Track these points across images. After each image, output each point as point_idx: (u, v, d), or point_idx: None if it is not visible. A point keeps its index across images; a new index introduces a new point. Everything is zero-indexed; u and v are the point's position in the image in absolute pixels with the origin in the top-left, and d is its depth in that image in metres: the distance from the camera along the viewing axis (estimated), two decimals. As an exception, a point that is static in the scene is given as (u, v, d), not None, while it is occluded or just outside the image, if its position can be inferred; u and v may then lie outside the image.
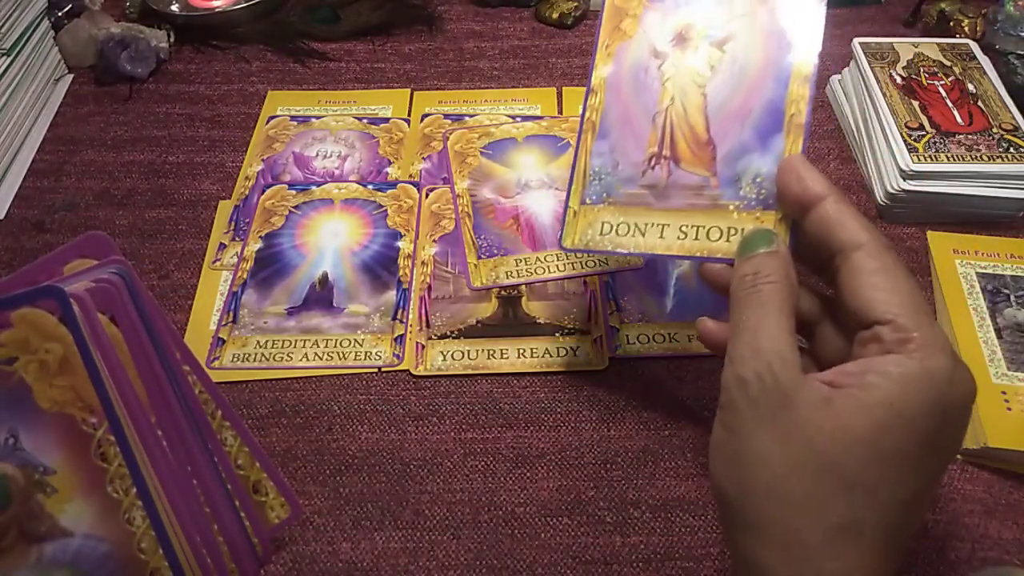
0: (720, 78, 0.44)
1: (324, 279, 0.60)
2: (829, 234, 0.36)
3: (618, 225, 0.45)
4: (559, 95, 0.75)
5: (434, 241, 0.62)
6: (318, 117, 0.73)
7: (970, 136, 0.62)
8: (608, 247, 0.45)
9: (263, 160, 0.69)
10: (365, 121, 0.72)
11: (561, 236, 0.46)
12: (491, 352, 0.55)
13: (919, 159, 0.60)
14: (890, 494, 0.31)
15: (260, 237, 0.62)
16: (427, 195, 0.65)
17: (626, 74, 0.46)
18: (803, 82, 0.42)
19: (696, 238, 0.42)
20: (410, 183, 0.66)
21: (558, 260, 0.60)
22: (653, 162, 0.44)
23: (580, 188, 0.46)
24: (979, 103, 0.65)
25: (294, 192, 0.66)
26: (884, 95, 0.65)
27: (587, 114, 0.47)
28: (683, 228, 0.43)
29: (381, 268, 0.60)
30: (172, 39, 0.80)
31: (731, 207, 0.42)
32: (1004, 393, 0.50)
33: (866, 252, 0.35)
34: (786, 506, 0.32)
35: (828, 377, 0.34)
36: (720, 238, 0.41)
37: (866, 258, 0.35)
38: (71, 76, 0.78)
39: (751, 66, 0.43)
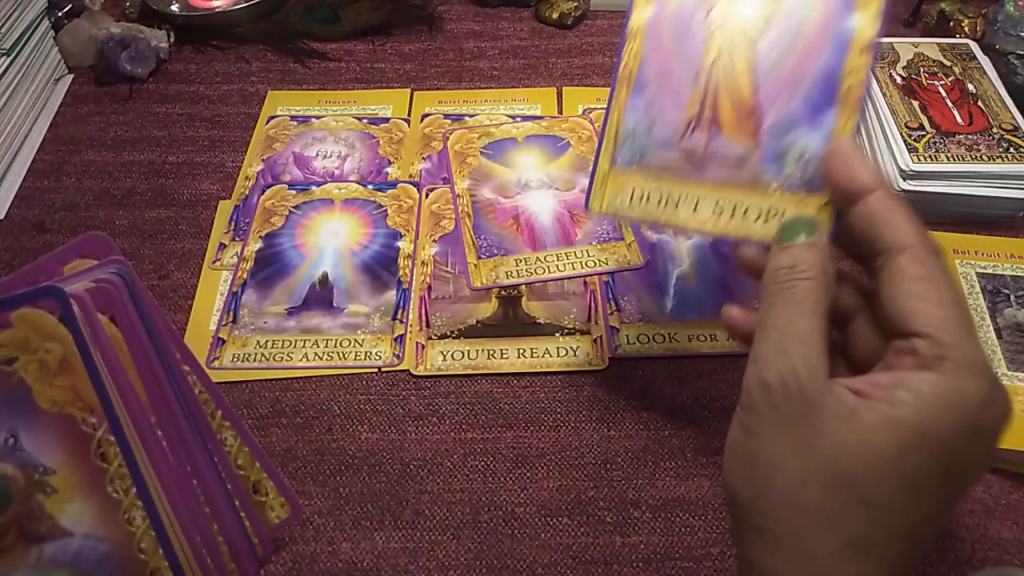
0: (774, 33, 0.39)
1: (324, 279, 0.60)
2: (874, 231, 0.34)
3: (649, 193, 0.41)
4: (559, 95, 0.75)
5: (434, 241, 0.62)
6: (318, 117, 0.73)
7: (970, 136, 0.62)
8: (639, 216, 0.42)
9: (263, 160, 0.69)
10: (365, 121, 0.72)
11: (588, 198, 0.43)
12: (491, 352, 0.55)
13: (919, 159, 0.60)
14: (905, 515, 0.30)
15: (260, 237, 0.62)
16: (427, 195, 0.65)
17: (668, 19, 0.42)
18: (864, 51, 0.37)
19: (732, 216, 0.39)
20: (410, 183, 0.66)
21: (558, 260, 0.60)
22: (693, 125, 0.41)
23: (611, 147, 0.42)
24: (979, 103, 0.65)
25: (294, 192, 0.66)
26: (884, 95, 0.65)
27: (623, 62, 0.42)
28: (719, 203, 0.40)
29: (381, 268, 0.60)
30: (172, 39, 0.80)
31: (773, 185, 0.38)
32: (1004, 393, 0.50)
33: (911, 256, 0.32)
34: (798, 515, 0.31)
35: (857, 386, 0.32)
36: (758, 219, 0.38)
37: (911, 263, 0.32)
38: (71, 76, 0.78)
39: (808, 24, 0.39)
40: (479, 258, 0.60)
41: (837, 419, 0.31)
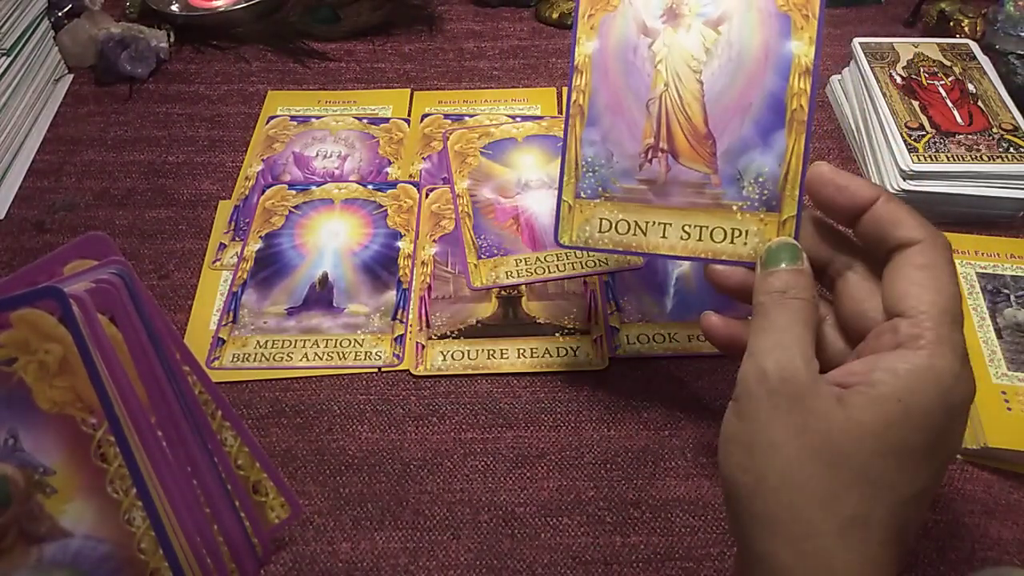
0: (716, 63, 0.41)
1: (324, 279, 0.60)
2: (885, 233, 0.36)
3: (617, 223, 0.43)
4: (559, 95, 0.75)
5: (434, 241, 0.62)
6: (318, 117, 0.73)
7: (970, 136, 0.62)
8: (608, 246, 0.43)
9: (263, 160, 0.69)
10: (365, 121, 0.72)
11: (557, 232, 0.44)
12: (491, 352, 0.55)
13: (919, 159, 0.60)
14: (898, 488, 0.32)
15: (260, 237, 0.62)
16: (427, 195, 0.65)
17: (613, 52, 0.43)
18: (804, 74, 0.40)
19: (700, 239, 0.41)
20: (410, 183, 0.66)
21: (558, 260, 0.59)
22: (650, 155, 0.43)
23: (573, 180, 0.44)
24: (979, 103, 0.65)
25: (294, 192, 0.66)
26: (884, 95, 0.65)
27: (574, 97, 0.44)
28: (686, 228, 0.42)
29: (381, 268, 0.60)
30: (172, 39, 0.80)
31: (734, 207, 0.41)
32: (1004, 393, 0.50)
33: (919, 249, 0.35)
34: (799, 496, 0.32)
35: (836, 378, 0.34)
36: (724, 239, 0.41)
37: (916, 254, 0.35)
38: (71, 76, 0.78)
39: (749, 51, 0.41)
40: (479, 258, 0.60)
41: (828, 404, 0.33)
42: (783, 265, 0.38)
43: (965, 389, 0.33)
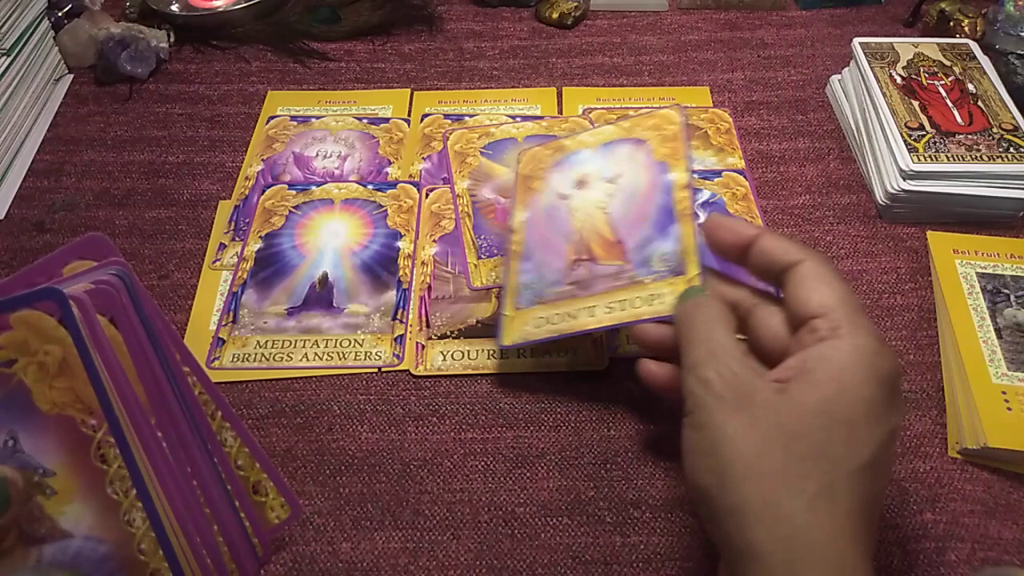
0: (617, 200, 0.52)
1: (324, 279, 0.60)
2: (773, 260, 0.41)
3: (551, 316, 0.50)
4: (559, 95, 0.75)
5: (434, 241, 0.62)
6: (318, 117, 0.73)
7: (970, 136, 0.62)
8: (546, 335, 0.50)
9: (263, 160, 0.69)
10: (365, 121, 0.72)
11: (500, 337, 0.51)
12: (491, 352, 0.55)
13: (919, 159, 0.60)
14: (851, 458, 0.34)
15: (260, 237, 0.62)
16: (427, 195, 0.65)
17: (540, 214, 0.55)
18: (684, 189, 0.49)
19: (623, 309, 0.48)
20: (410, 183, 0.66)
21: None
22: (575, 266, 0.51)
23: (512, 298, 0.52)
24: (979, 103, 0.65)
25: (294, 192, 0.66)
26: (884, 95, 0.65)
27: (511, 247, 0.54)
28: (609, 305, 0.48)
29: (381, 268, 0.60)
30: (172, 39, 0.80)
31: (647, 280, 0.48)
32: (1004, 393, 0.50)
33: (806, 265, 0.40)
34: (764, 481, 0.34)
35: (775, 375, 0.38)
36: (642, 305, 0.47)
37: (806, 269, 0.39)
38: (71, 76, 0.78)
39: (640, 188, 0.52)
40: (479, 258, 0.60)
41: (772, 395, 0.36)
42: (694, 295, 0.43)
43: (889, 361, 0.36)
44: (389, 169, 0.68)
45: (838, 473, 0.34)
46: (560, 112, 0.73)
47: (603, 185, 0.54)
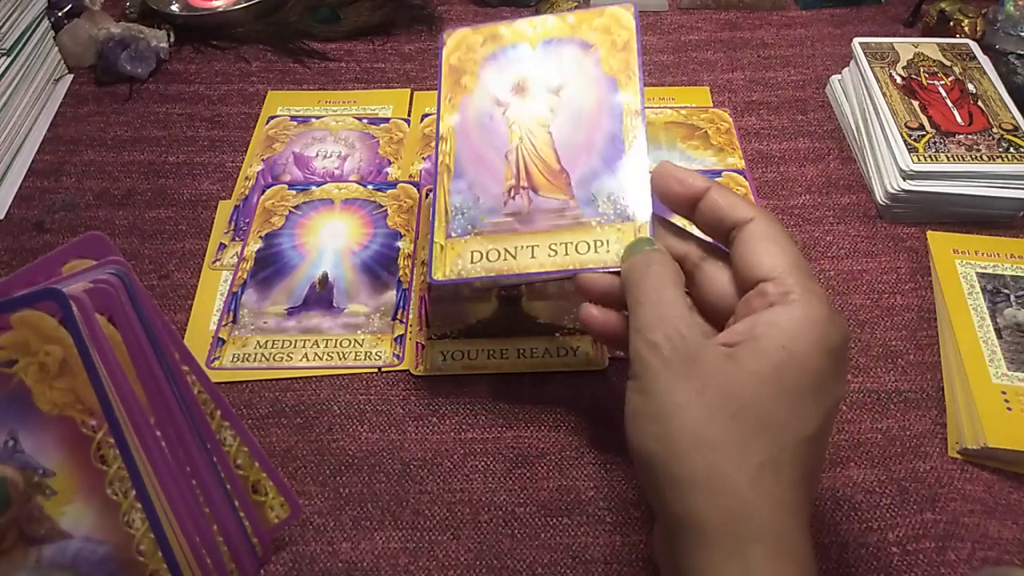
0: (561, 118, 0.48)
1: (324, 279, 0.60)
2: (721, 216, 0.40)
3: (487, 252, 0.46)
4: (559, 95, 0.75)
5: (434, 241, 0.62)
6: (318, 117, 0.73)
7: (970, 136, 0.62)
8: (481, 273, 0.46)
9: (263, 160, 0.69)
10: (365, 121, 0.72)
11: (430, 271, 0.47)
12: (491, 352, 0.55)
13: (919, 159, 0.60)
14: (797, 428, 0.34)
15: (260, 237, 0.62)
16: (427, 195, 0.65)
17: (472, 121, 0.49)
18: (635, 115, 0.46)
19: (567, 253, 0.45)
20: (410, 183, 0.66)
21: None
22: (513, 193, 0.47)
23: (444, 224, 0.48)
24: (979, 103, 0.65)
25: (294, 192, 0.66)
26: (884, 95, 0.65)
27: (440, 158, 0.49)
28: (552, 246, 0.45)
29: (381, 268, 0.60)
30: (172, 39, 0.80)
31: (593, 222, 0.45)
32: (1004, 393, 0.50)
33: (755, 224, 0.39)
34: (711, 451, 0.34)
35: (723, 339, 0.37)
36: (589, 251, 0.44)
37: (755, 228, 0.39)
38: (71, 76, 0.78)
39: (587, 107, 0.48)
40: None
41: (720, 361, 0.35)
42: (643, 249, 0.41)
43: (839, 331, 0.36)
44: (389, 169, 0.68)
45: (784, 444, 0.34)
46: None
47: (546, 96, 0.48)
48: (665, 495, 0.35)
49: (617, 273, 0.43)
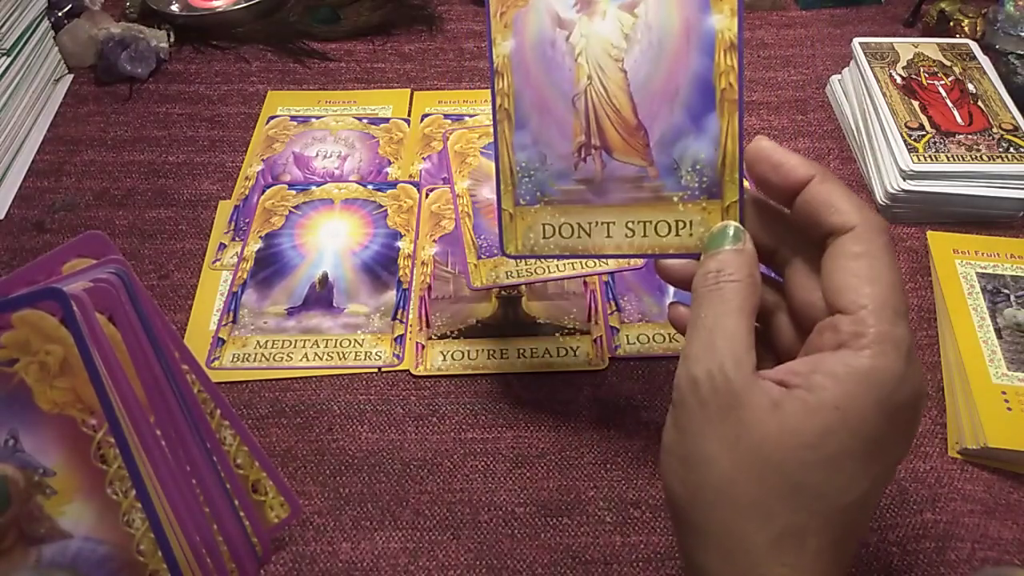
0: (637, 49, 0.39)
1: (324, 279, 0.60)
2: (819, 217, 0.34)
3: (560, 227, 0.42)
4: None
5: (434, 241, 0.62)
6: (318, 117, 0.73)
7: (970, 136, 0.62)
8: (555, 251, 0.42)
9: (263, 160, 0.69)
10: (365, 121, 0.72)
11: (502, 242, 0.43)
12: (491, 352, 0.55)
13: (919, 159, 0.60)
14: (835, 498, 0.31)
15: (260, 237, 0.62)
16: (427, 195, 0.65)
17: (531, 49, 0.41)
18: (730, 50, 0.38)
19: (645, 235, 0.40)
20: (410, 183, 0.66)
21: (558, 260, 0.59)
22: (584, 153, 0.41)
23: (511, 188, 0.42)
24: (979, 103, 0.65)
25: (294, 192, 0.66)
26: (884, 95, 0.65)
27: (499, 101, 0.42)
28: (629, 225, 0.40)
29: (381, 268, 0.60)
30: (172, 39, 0.80)
31: (675, 198, 0.40)
32: (1004, 393, 0.50)
33: (854, 235, 0.33)
34: (732, 511, 0.31)
35: (778, 376, 0.33)
36: (669, 233, 0.40)
37: (851, 241, 0.33)
38: (71, 76, 0.78)
39: (669, 33, 0.39)
40: (479, 258, 0.60)
41: (762, 411, 0.31)
42: (724, 247, 0.36)
43: (910, 390, 0.31)
44: (389, 169, 0.68)
45: (814, 512, 0.31)
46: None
47: (617, 14, 0.40)
48: (685, 540, 0.34)
49: (699, 257, 0.38)
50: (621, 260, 0.42)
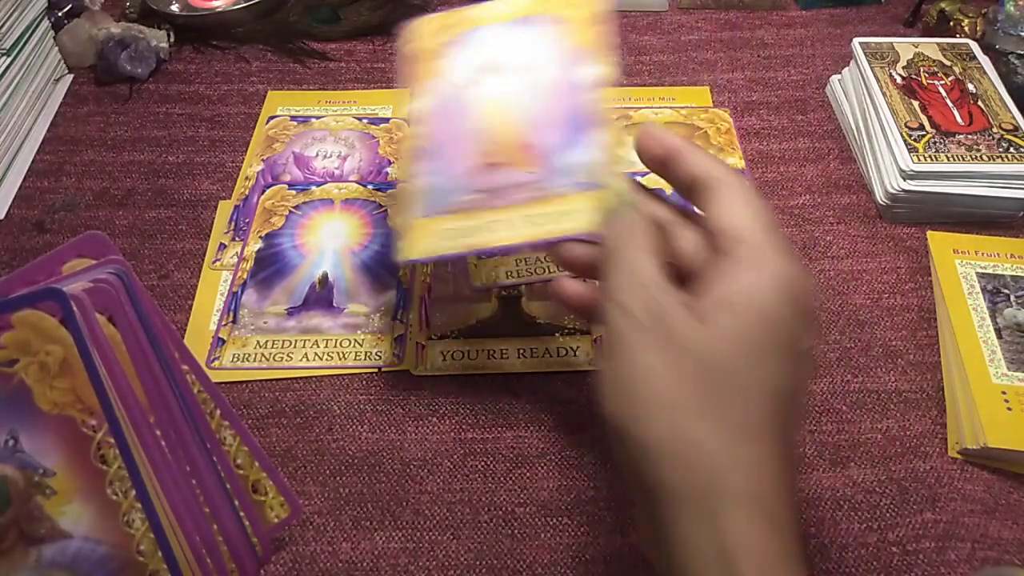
0: (527, 95, 0.48)
1: (324, 279, 0.60)
2: (693, 175, 0.39)
3: (462, 228, 0.46)
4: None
5: (434, 241, 0.62)
6: (318, 117, 0.73)
7: (970, 136, 0.62)
8: (456, 249, 0.46)
9: (263, 160, 0.69)
10: (365, 121, 0.72)
11: (402, 249, 0.47)
12: (491, 352, 0.55)
13: (919, 159, 0.60)
14: (772, 390, 0.34)
15: (260, 237, 0.62)
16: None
17: (442, 103, 0.50)
18: (595, 87, 0.47)
19: (539, 225, 0.45)
20: (410, 183, 0.66)
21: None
22: (484, 170, 0.47)
23: (414, 206, 0.47)
24: (979, 103, 0.65)
25: (294, 192, 0.66)
26: (884, 95, 0.65)
27: (415, 142, 0.49)
28: (528, 216, 0.45)
29: (381, 268, 0.60)
30: (172, 39, 0.80)
31: (565, 193, 0.45)
32: (1004, 393, 0.50)
33: (726, 184, 0.38)
34: (681, 416, 0.33)
35: (694, 302, 0.36)
36: (561, 220, 0.44)
37: (725, 188, 0.38)
38: (71, 76, 0.78)
39: (550, 84, 0.48)
40: (479, 258, 0.60)
41: (693, 326, 0.34)
42: (623, 215, 0.40)
43: (802, 284, 0.35)
44: (389, 169, 0.68)
45: (758, 406, 0.33)
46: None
47: (514, 75, 0.49)
48: (637, 464, 0.34)
49: (591, 240, 0.42)
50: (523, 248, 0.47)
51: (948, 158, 0.60)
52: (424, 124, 0.49)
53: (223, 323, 0.57)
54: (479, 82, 0.50)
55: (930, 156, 0.60)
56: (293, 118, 0.73)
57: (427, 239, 0.46)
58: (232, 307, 0.58)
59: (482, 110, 0.49)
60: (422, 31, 0.52)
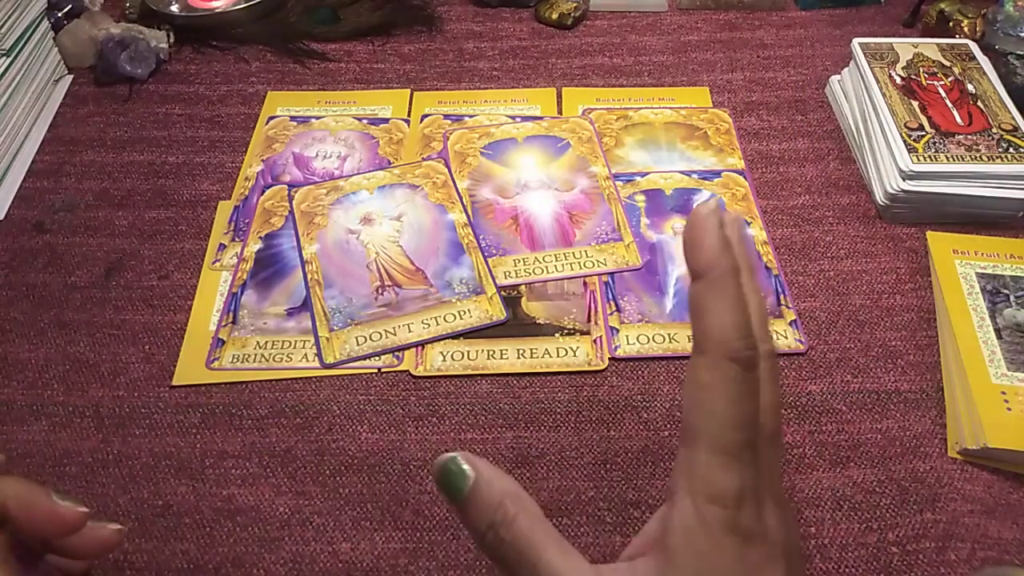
0: (407, 235, 0.62)
1: (324, 279, 0.60)
2: (693, 318, 0.31)
3: (371, 335, 0.56)
4: (559, 95, 0.75)
5: (434, 241, 0.63)
6: (318, 117, 0.73)
7: (970, 136, 0.62)
8: (369, 351, 0.55)
9: (263, 160, 0.69)
10: (365, 121, 0.72)
11: (320, 358, 0.55)
12: (491, 352, 0.55)
13: (919, 159, 0.60)
14: None
15: (260, 238, 0.62)
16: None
17: (331, 247, 0.61)
18: (464, 226, 0.62)
19: (438, 324, 0.56)
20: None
21: (557, 260, 0.60)
22: (381, 290, 0.58)
23: (326, 322, 0.56)
24: (979, 103, 0.65)
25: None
26: (884, 95, 0.65)
27: (311, 277, 0.59)
28: (424, 321, 0.56)
29: (381, 268, 0.60)
30: (172, 39, 0.80)
31: (454, 299, 0.57)
32: (1004, 393, 0.50)
33: (705, 359, 0.30)
34: None
35: (636, 548, 0.31)
36: (455, 319, 0.56)
37: (703, 367, 0.30)
38: (71, 76, 0.78)
39: (425, 226, 0.62)
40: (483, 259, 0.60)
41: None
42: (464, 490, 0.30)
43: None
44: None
45: None
46: (560, 112, 0.73)
47: (389, 222, 0.62)
48: None
49: (476, 331, 0.52)
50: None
51: (948, 158, 0.60)
52: (318, 263, 0.60)
53: (223, 323, 0.57)
54: (360, 230, 0.62)
55: (930, 156, 0.60)
56: (293, 118, 0.73)
57: (342, 347, 0.55)
58: (232, 307, 0.58)
59: (368, 249, 0.61)
60: (299, 199, 0.65)
